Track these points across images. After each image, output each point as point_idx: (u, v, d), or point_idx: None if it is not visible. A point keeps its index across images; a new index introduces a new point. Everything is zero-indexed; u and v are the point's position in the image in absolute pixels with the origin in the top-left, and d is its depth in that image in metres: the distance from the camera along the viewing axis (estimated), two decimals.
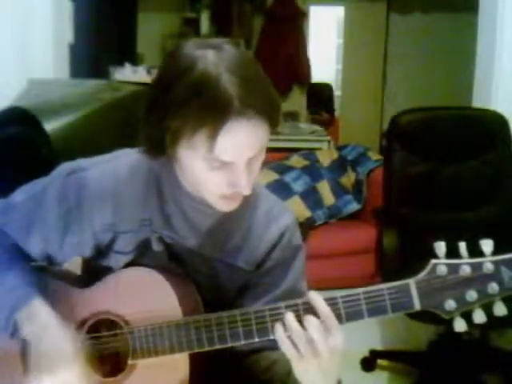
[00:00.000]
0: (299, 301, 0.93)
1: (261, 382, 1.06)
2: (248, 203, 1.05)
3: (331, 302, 0.92)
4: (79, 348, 0.97)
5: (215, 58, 0.89)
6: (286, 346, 0.91)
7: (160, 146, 0.95)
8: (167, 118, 0.90)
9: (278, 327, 0.92)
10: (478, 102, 2.79)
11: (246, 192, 0.94)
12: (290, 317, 0.91)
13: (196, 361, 0.99)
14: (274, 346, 1.05)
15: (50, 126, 1.85)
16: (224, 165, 0.91)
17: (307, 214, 3.35)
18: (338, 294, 0.92)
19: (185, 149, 0.92)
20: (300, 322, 0.90)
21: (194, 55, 0.89)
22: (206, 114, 0.86)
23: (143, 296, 1.01)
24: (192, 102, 0.87)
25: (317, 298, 0.92)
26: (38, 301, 0.99)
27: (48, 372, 0.94)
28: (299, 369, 0.93)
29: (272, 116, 0.92)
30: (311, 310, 0.91)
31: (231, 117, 0.86)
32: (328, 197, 3.47)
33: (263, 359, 1.06)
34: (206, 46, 0.91)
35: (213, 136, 0.87)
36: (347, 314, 0.92)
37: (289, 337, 0.90)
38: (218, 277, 1.09)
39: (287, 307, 0.93)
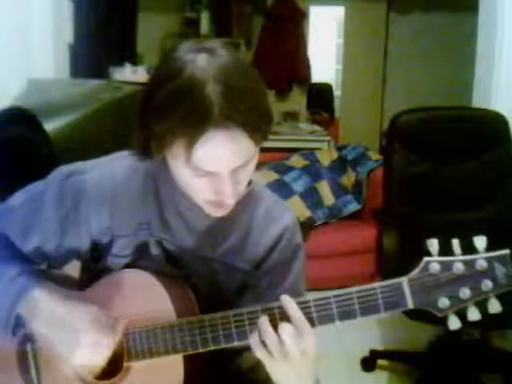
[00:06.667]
0: (275, 304, 0.93)
1: (246, 382, 1.05)
2: (248, 202, 1.05)
3: (304, 306, 0.91)
4: (88, 317, 0.97)
5: (205, 63, 0.86)
6: (256, 348, 0.91)
7: (147, 150, 0.93)
8: (152, 123, 0.88)
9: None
10: (477, 102, 2.79)
11: (231, 202, 0.93)
12: (263, 320, 0.91)
13: (191, 362, 0.99)
14: None
15: (50, 126, 1.86)
16: (208, 173, 0.89)
17: (307, 213, 3.35)
18: (333, 293, 0.92)
19: (168, 155, 0.92)
20: (275, 326, 0.90)
21: (184, 59, 0.87)
22: (185, 122, 0.84)
23: (137, 298, 1.01)
24: (174, 109, 0.85)
25: (289, 302, 0.91)
26: (39, 290, 0.99)
27: (72, 349, 0.94)
28: (272, 370, 0.93)
29: (257, 129, 0.87)
30: (286, 314, 0.91)
31: (209, 127, 0.83)
32: (328, 197, 3.47)
33: (247, 359, 1.05)
34: (199, 50, 0.88)
35: (190, 146, 0.85)
36: (340, 314, 0.91)
37: (262, 339, 0.90)
38: (216, 278, 1.08)
39: (263, 311, 0.93)
